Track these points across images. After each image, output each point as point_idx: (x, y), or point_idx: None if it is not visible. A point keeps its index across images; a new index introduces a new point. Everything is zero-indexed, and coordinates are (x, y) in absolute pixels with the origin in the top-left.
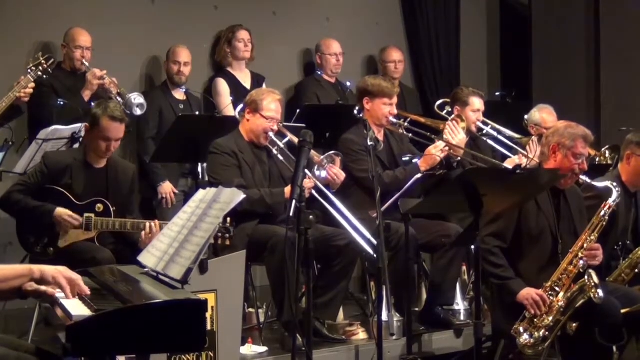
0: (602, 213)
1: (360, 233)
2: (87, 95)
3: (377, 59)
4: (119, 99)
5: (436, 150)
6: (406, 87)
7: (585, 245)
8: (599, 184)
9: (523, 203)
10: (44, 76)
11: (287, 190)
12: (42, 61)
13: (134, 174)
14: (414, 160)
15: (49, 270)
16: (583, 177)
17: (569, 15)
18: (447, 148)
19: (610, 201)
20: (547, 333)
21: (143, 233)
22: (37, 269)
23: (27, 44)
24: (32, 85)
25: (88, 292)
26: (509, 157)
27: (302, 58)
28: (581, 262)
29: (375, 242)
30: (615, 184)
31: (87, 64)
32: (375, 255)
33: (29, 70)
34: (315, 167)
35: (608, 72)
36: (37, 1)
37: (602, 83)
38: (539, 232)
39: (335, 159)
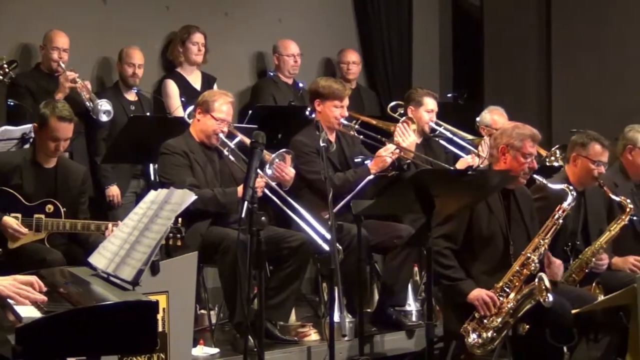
0: (557, 216)
1: (314, 228)
2: (59, 97)
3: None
4: (89, 103)
5: (387, 153)
6: (364, 88)
7: (538, 247)
8: (555, 186)
9: (475, 204)
10: (4, 80)
11: (240, 189)
12: (4, 65)
13: (85, 175)
14: (365, 162)
15: (5, 291)
16: (539, 178)
17: (521, 16)
18: (397, 150)
19: (565, 204)
20: (495, 334)
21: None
22: None
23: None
24: None
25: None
26: (462, 157)
27: (254, 59)
28: (533, 265)
29: (329, 236)
30: (571, 187)
31: (63, 65)
32: (329, 249)
33: None
34: (267, 166)
35: (559, 74)
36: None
37: (553, 84)
38: (490, 233)
39: (286, 156)
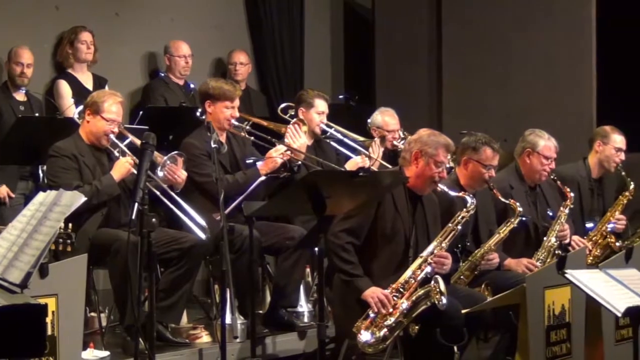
0: (456, 222)
1: (196, 222)
2: None
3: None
4: None
5: (277, 154)
6: (253, 89)
7: (435, 251)
8: (454, 193)
9: (369, 204)
10: None
11: (113, 173)
12: None
13: None
14: (256, 163)
15: None
16: (440, 186)
17: (412, 19)
18: (288, 152)
19: (465, 211)
20: (388, 333)
21: None
22: None
23: None
24: None
25: None
26: (352, 158)
27: (145, 59)
28: (429, 267)
29: (205, 237)
30: (468, 193)
31: None
32: (204, 237)
33: None
34: (158, 168)
35: (449, 76)
36: None
37: (443, 87)
38: (392, 233)
39: (178, 159)
